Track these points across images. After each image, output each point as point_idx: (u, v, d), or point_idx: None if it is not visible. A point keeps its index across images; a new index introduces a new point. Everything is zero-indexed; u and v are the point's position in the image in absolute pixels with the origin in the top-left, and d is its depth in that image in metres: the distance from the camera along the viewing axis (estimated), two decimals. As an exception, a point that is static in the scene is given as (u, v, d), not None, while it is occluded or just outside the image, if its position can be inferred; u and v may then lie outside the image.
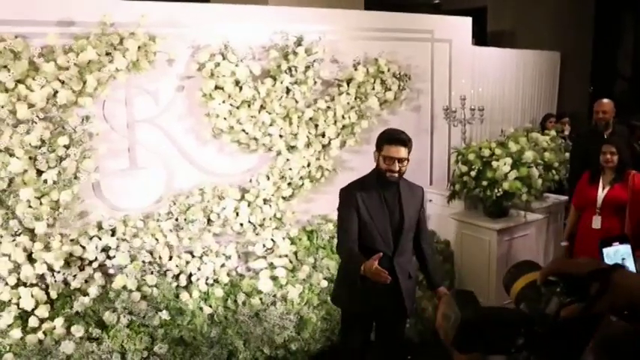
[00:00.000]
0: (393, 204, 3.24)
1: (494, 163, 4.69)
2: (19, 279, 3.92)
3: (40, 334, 3.76)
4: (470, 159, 4.80)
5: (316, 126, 5.04)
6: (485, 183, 4.71)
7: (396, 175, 3.16)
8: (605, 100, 5.63)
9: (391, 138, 3.19)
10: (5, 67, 3.71)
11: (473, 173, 4.76)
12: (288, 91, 4.81)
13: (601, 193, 4.41)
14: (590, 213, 4.46)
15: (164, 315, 4.12)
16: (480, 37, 8.73)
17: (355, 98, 5.18)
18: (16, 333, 3.72)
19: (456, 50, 6.02)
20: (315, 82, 4.95)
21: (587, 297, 1.01)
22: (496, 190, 4.67)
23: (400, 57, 5.51)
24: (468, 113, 5.49)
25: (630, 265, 1.44)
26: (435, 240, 5.52)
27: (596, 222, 4.40)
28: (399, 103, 5.53)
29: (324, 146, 5.12)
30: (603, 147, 4.42)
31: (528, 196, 4.76)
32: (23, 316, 3.84)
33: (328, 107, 5.08)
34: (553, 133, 5.52)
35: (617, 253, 1.52)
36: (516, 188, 4.63)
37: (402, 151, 3.13)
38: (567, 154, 5.49)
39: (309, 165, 5.04)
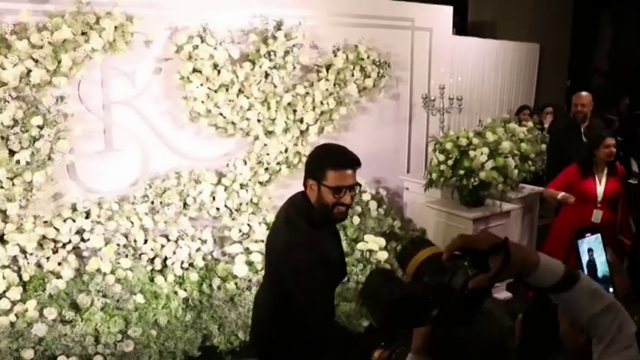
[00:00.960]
0: (340, 250, 2.48)
1: (472, 153, 4.68)
2: None
3: (11, 317, 3.73)
4: (447, 148, 4.78)
5: (294, 111, 5.03)
6: (462, 172, 4.69)
7: (346, 210, 2.31)
8: (584, 93, 5.70)
9: (341, 160, 2.27)
10: None
11: (450, 162, 4.74)
12: (266, 75, 4.80)
13: (600, 187, 4.48)
14: (588, 207, 4.50)
15: (139, 298, 4.12)
16: (461, 27, 8.77)
17: (334, 84, 5.18)
18: None
19: (436, 39, 6.05)
20: (295, 67, 4.94)
21: (488, 269, 1.11)
22: (472, 180, 4.66)
23: (380, 44, 5.52)
24: (446, 102, 5.47)
25: (599, 254, 1.53)
26: (411, 228, 5.58)
27: (597, 216, 4.45)
28: (378, 91, 5.55)
29: (302, 132, 5.12)
30: (607, 140, 4.45)
31: (504, 186, 4.77)
32: None
33: (307, 93, 5.07)
34: (530, 124, 5.58)
35: (590, 243, 1.59)
36: (492, 178, 4.65)
37: (354, 175, 2.29)
38: (544, 146, 5.54)
39: (286, 150, 5.04)
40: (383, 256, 4.89)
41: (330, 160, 2.24)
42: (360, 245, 4.94)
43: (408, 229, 5.52)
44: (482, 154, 4.68)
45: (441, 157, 4.85)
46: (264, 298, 2.46)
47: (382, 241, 4.97)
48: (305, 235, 2.22)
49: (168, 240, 4.54)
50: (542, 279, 1.16)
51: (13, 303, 3.80)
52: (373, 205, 5.43)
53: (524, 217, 5.69)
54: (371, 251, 4.89)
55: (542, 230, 5.91)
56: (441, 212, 5.10)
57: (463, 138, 4.82)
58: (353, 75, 5.27)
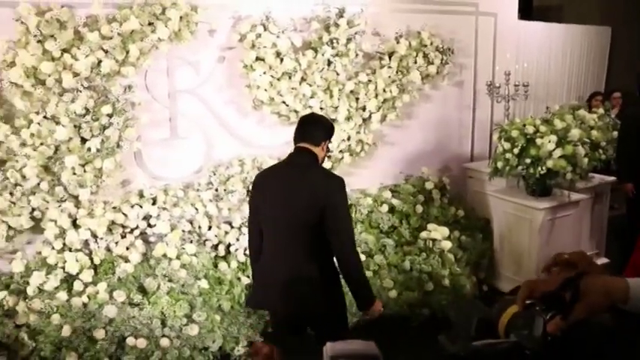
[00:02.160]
0: None
1: (539, 141, 4.55)
2: (64, 244, 4.00)
3: (84, 298, 3.84)
4: (513, 136, 4.67)
5: (357, 99, 4.97)
6: (528, 161, 4.59)
7: None
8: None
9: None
10: (52, 36, 3.73)
11: (516, 150, 4.64)
12: (329, 63, 4.76)
13: None
14: None
15: (203, 284, 4.17)
16: (526, 12, 8.45)
17: (397, 72, 5.09)
18: (62, 295, 3.81)
19: (501, 24, 5.87)
20: (357, 55, 4.87)
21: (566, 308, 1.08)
22: (539, 168, 4.54)
23: (443, 30, 5.40)
24: (511, 89, 5.33)
25: None
26: (475, 217, 5.48)
27: None
28: (442, 78, 5.44)
29: (364, 120, 5.06)
30: None
31: (573, 175, 4.60)
32: (69, 280, 3.93)
33: (369, 80, 5.00)
34: (601, 111, 5.33)
35: None
36: (561, 167, 4.49)
37: None
38: (615, 133, 5.27)
39: (349, 138, 4.99)
40: (446, 245, 4.86)
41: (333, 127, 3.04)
42: (423, 234, 4.93)
43: (472, 219, 5.42)
44: (549, 142, 4.53)
45: (507, 145, 4.73)
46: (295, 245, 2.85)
47: (445, 231, 4.93)
48: (339, 177, 2.88)
49: (232, 227, 4.56)
50: (636, 307, 1.07)
51: (86, 285, 3.91)
52: (436, 193, 5.37)
53: (594, 208, 5.46)
54: (434, 240, 4.86)
55: (612, 222, 5.66)
56: (506, 202, 4.99)
57: (530, 125, 4.68)
58: (416, 62, 5.17)
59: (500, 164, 4.78)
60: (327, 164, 4.80)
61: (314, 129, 2.95)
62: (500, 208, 5.09)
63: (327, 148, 2.98)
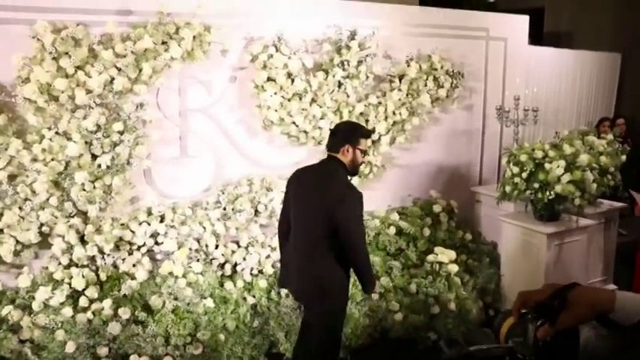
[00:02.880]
0: None
1: (547, 165, 4.50)
2: (71, 259, 4.01)
3: (89, 314, 3.81)
4: (522, 160, 4.62)
5: (367, 121, 4.96)
6: (536, 185, 4.53)
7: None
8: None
9: (367, 133, 3.38)
10: (66, 53, 3.78)
11: (524, 175, 4.58)
12: (339, 85, 4.77)
13: None
14: None
15: (208, 302, 4.14)
16: (536, 38, 8.46)
17: (407, 95, 5.10)
18: (68, 311, 3.78)
19: (512, 49, 5.86)
20: (367, 77, 4.89)
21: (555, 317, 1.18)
22: (548, 193, 4.48)
23: (454, 54, 5.41)
24: (521, 114, 5.27)
25: None
26: (482, 241, 5.44)
27: None
28: (452, 102, 5.44)
29: (373, 142, 5.05)
30: None
31: (581, 200, 4.52)
32: (74, 296, 3.91)
33: (379, 103, 5.01)
34: (610, 136, 5.27)
35: None
36: (569, 192, 4.42)
37: (369, 142, 3.51)
38: (624, 158, 5.19)
39: None
40: (453, 268, 4.79)
41: (361, 131, 3.28)
42: (430, 257, 4.88)
43: (480, 242, 5.38)
44: (558, 166, 4.47)
45: (515, 170, 4.67)
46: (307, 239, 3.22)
47: (452, 254, 4.87)
48: (349, 181, 3.23)
49: (239, 246, 4.55)
50: (622, 318, 1.16)
51: (91, 301, 3.89)
52: (444, 216, 5.32)
53: (603, 234, 5.38)
54: (441, 263, 4.81)
55: (621, 248, 5.59)
56: (514, 226, 4.92)
57: (539, 150, 4.63)
58: (426, 85, 5.18)
59: (508, 188, 4.72)
60: None
61: (332, 137, 3.28)
62: (508, 233, 5.01)
63: (355, 151, 3.20)
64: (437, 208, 5.33)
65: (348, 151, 3.19)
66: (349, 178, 3.29)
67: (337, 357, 3.39)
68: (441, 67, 5.23)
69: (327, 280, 3.19)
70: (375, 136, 5.03)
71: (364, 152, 3.29)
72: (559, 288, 1.21)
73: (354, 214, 3.08)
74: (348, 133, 3.24)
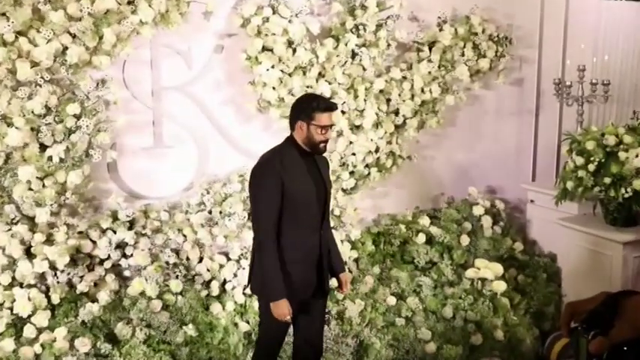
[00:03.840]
0: (315, 174, 3.56)
1: (622, 155, 4.41)
2: (14, 278, 3.94)
3: (37, 347, 3.77)
4: (588, 148, 4.53)
5: (388, 101, 4.93)
6: (608, 180, 4.44)
7: (327, 144, 3.51)
8: None
9: (324, 105, 3.45)
10: (3, 14, 3.71)
11: (592, 167, 4.50)
12: (353, 55, 4.72)
13: None
14: None
15: (190, 330, 4.11)
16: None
17: (439, 67, 5.05)
18: (8, 344, 3.72)
19: (575, 5, 5.71)
20: (389, 45, 4.84)
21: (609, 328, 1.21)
22: (623, 190, 4.40)
23: (499, 14, 5.35)
24: (587, 89, 5.18)
25: None
26: (537, 252, 5.39)
27: None
28: (496, 75, 5.40)
29: (397, 127, 5.01)
30: None
31: (668, 199, 4.59)
32: (17, 324, 3.86)
33: (404, 77, 4.96)
34: None
35: None
36: (651, 188, 4.52)
37: (334, 117, 3.55)
38: None
39: (377, 150, 4.93)
40: (500, 287, 4.78)
41: (316, 104, 3.42)
42: (469, 272, 4.86)
43: (534, 254, 5.31)
44: (637, 156, 4.39)
45: (580, 161, 4.60)
46: None
47: (499, 268, 4.87)
48: (269, 155, 3.49)
49: (229, 259, 4.50)
50: None
51: (39, 330, 3.84)
52: (487, 221, 5.30)
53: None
54: (484, 280, 4.80)
55: None
56: (578, 233, 4.83)
57: (610, 135, 4.56)
58: (463, 54, 5.12)
59: (570, 185, 4.64)
60: (349, 182, 4.94)
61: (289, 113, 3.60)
62: (571, 241, 4.93)
63: (309, 127, 3.39)
64: (478, 211, 5.30)
65: (301, 128, 3.41)
66: (298, 153, 3.49)
67: None
68: (483, 31, 5.18)
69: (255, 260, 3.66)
70: (399, 120, 4.99)
71: (324, 127, 3.40)
72: (611, 294, 1.24)
73: (252, 189, 3.51)
74: (299, 108, 3.46)
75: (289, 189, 3.38)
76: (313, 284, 3.57)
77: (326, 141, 3.47)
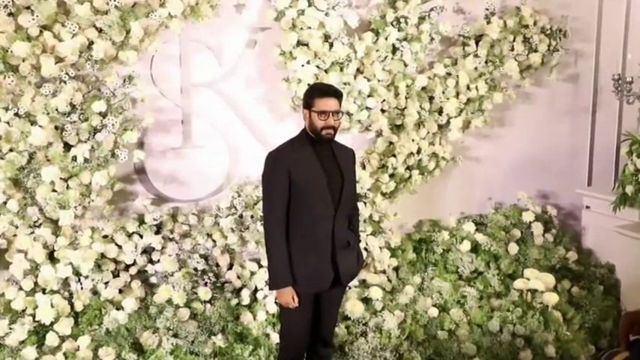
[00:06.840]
0: (329, 164, 3.61)
1: None
2: (36, 283, 3.98)
3: (59, 356, 3.79)
4: None
5: (431, 99, 4.94)
6: None
7: (332, 131, 3.52)
8: None
9: (322, 90, 3.54)
10: (28, 8, 3.72)
11: None
12: (394, 50, 4.72)
13: None
14: None
15: (219, 341, 4.12)
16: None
17: (486, 62, 5.06)
18: (30, 352, 3.75)
19: (638, -6, 5.65)
20: (432, 39, 4.84)
21: None
22: None
23: (553, 5, 5.32)
24: None
25: None
26: (592, 263, 5.33)
27: None
28: (549, 71, 5.37)
29: (440, 126, 5.03)
30: None
31: None
32: (39, 331, 3.89)
33: (448, 74, 4.99)
34: None
35: None
36: None
37: (336, 103, 3.51)
38: None
39: (419, 152, 4.93)
40: (552, 299, 4.69)
41: (316, 91, 3.54)
42: (517, 283, 4.80)
43: (589, 264, 5.24)
44: None
45: None
46: None
47: (550, 279, 4.81)
48: (281, 146, 3.62)
49: (260, 266, 4.51)
50: None
51: (62, 339, 3.87)
52: (538, 228, 5.28)
53: None
54: (534, 292, 4.74)
55: None
56: (639, 241, 4.70)
57: None
58: (513, 49, 5.11)
59: (630, 189, 4.65)
60: (388, 185, 4.91)
61: None
62: (631, 251, 4.84)
63: (311, 114, 3.47)
64: (528, 217, 5.28)
65: (306, 116, 3.53)
66: (308, 142, 3.55)
67: None
68: (534, 24, 5.17)
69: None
70: (442, 119, 5.00)
71: (324, 113, 3.45)
72: None
73: (262, 172, 3.59)
74: (304, 97, 3.60)
75: (296, 178, 3.46)
76: (330, 277, 3.58)
77: (329, 127, 3.49)
